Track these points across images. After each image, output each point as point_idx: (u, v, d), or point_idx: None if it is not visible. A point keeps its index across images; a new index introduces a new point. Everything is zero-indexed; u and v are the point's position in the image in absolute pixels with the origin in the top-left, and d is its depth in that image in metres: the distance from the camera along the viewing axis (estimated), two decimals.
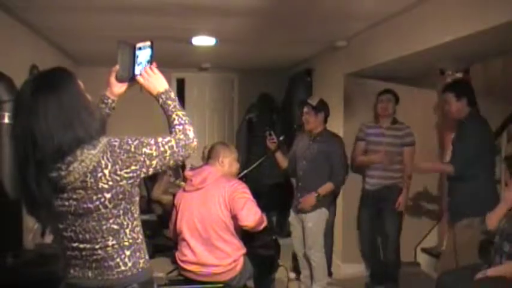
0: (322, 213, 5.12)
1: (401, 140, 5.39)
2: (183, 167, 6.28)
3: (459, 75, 5.02)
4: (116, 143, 2.00)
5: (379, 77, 5.93)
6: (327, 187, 5.05)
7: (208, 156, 4.17)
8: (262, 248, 4.45)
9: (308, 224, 5.11)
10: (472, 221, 4.27)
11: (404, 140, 5.38)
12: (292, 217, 5.32)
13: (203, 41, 5.94)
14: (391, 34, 4.95)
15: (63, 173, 1.92)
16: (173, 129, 2.15)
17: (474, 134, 4.40)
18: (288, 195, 6.00)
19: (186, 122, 2.17)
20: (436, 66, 5.15)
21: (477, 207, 4.20)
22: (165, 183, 6.19)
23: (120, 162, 1.97)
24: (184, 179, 4.55)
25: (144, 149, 2.02)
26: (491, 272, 3.55)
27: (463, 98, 4.46)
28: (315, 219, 5.10)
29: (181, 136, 2.13)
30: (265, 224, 3.96)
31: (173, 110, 2.19)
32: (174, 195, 4.47)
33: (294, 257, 5.62)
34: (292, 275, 5.77)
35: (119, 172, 1.97)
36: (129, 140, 2.02)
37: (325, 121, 5.26)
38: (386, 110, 5.47)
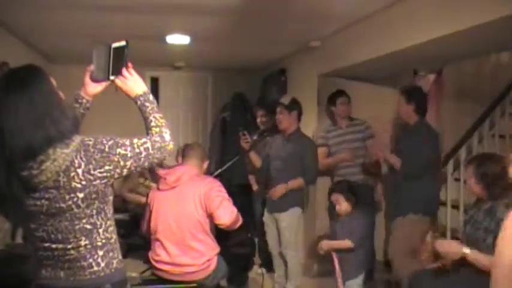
0: (296, 212, 5.12)
1: (362, 134, 5.58)
2: (151, 169, 6.24)
3: (432, 76, 5.08)
4: (90, 142, 1.98)
5: (353, 77, 5.96)
6: (298, 182, 5.06)
7: (184, 156, 4.14)
8: (237, 247, 4.45)
9: (282, 224, 5.12)
10: (412, 217, 4.62)
11: (365, 134, 5.59)
12: (266, 216, 5.32)
13: (177, 39, 5.91)
14: (365, 35, 4.98)
15: (35, 172, 1.90)
16: (149, 131, 2.15)
17: (419, 139, 4.69)
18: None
19: (163, 124, 2.17)
20: (409, 67, 5.20)
21: (418, 206, 4.63)
22: (133, 182, 6.14)
23: (93, 161, 1.96)
24: (155, 180, 4.52)
25: (118, 150, 2.01)
26: (472, 254, 3.52)
27: (411, 102, 4.76)
28: (289, 218, 5.10)
29: (157, 138, 2.12)
30: (240, 222, 3.97)
31: (151, 112, 2.19)
32: (146, 195, 4.43)
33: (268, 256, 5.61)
34: (261, 270, 5.79)
35: (92, 172, 1.95)
36: (103, 139, 2.01)
37: (299, 119, 5.27)
38: (343, 111, 5.64)
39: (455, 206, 5.60)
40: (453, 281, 3.64)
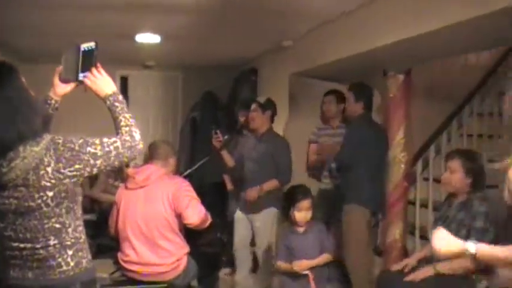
0: (271, 212, 5.10)
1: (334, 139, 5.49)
2: (120, 168, 6.19)
3: (401, 76, 5.13)
4: (60, 141, 1.97)
5: (324, 77, 5.99)
6: (272, 183, 5.04)
7: (152, 155, 4.10)
8: (206, 246, 4.44)
9: (256, 224, 5.10)
10: (350, 207, 4.75)
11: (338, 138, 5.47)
12: (239, 215, 5.28)
13: (147, 38, 5.87)
14: (336, 35, 5.01)
15: (4, 170, 1.88)
16: (119, 131, 2.15)
17: (361, 132, 4.83)
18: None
19: (133, 124, 2.17)
20: (379, 67, 5.24)
21: (359, 197, 4.73)
22: (104, 182, 6.09)
23: (63, 160, 1.94)
24: (123, 179, 4.47)
25: (88, 148, 2.00)
26: (441, 266, 3.55)
27: (360, 100, 4.94)
28: (264, 219, 5.08)
29: (128, 138, 2.12)
30: (209, 222, 3.96)
31: (120, 111, 2.19)
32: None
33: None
34: (226, 270, 5.79)
35: (62, 170, 1.94)
36: (73, 138, 2.00)
37: (272, 120, 5.27)
38: (328, 111, 5.56)
39: (423, 205, 5.67)
40: (423, 279, 3.68)
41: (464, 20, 3.33)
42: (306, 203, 3.99)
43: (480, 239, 2.80)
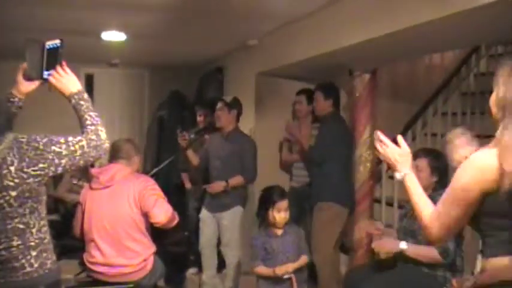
0: (237, 211, 5.12)
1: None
2: (85, 168, 6.12)
3: (367, 75, 5.18)
4: (24, 140, 1.94)
5: (291, 76, 6.01)
6: (237, 179, 5.06)
7: (115, 155, 4.04)
8: (173, 246, 4.41)
9: (223, 222, 5.10)
10: (327, 205, 4.83)
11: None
12: (205, 214, 5.26)
13: (113, 36, 5.81)
14: (302, 34, 5.03)
15: None
16: (85, 130, 2.12)
17: (333, 130, 4.93)
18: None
19: (99, 123, 2.15)
20: (345, 67, 5.28)
21: (335, 194, 4.84)
22: (68, 181, 6.01)
23: (27, 159, 1.91)
24: (89, 179, 4.42)
25: (53, 147, 1.97)
26: (411, 249, 3.64)
27: (329, 98, 5.03)
28: (231, 217, 5.10)
29: (93, 137, 2.09)
30: (176, 220, 3.94)
31: (85, 110, 2.16)
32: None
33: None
34: (193, 269, 5.77)
35: (25, 170, 1.91)
36: (37, 137, 1.97)
37: (237, 119, 5.27)
38: (299, 110, 5.60)
39: (389, 203, 5.73)
40: (389, 276, 3.73)
41: (429, 21, 3.38)
42: (284, 204, 3.90)
43: None
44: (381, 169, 5.85)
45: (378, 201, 5.75)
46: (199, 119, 6.35)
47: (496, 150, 1.85)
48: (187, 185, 6.16)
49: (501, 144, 1.84)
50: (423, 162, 3.74)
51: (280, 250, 3.88)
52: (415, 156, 3.90)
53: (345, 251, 5.51)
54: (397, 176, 2.29)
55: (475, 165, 1.89)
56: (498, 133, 1.89)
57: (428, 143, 6.09)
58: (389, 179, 5.97)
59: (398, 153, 2.31)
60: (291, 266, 3.81)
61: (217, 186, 5.05)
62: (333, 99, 5.05)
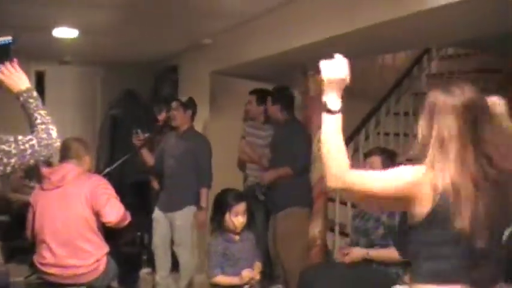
0: (191, 210, 5.08)
1: (263, 140, 5.51)
2: (36, 168, 5.98)
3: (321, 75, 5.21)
4: None
5: (245, 75, 6.01)
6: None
7: (65, 154, 3.96)
8: (126, 246, 4.36)
9: (177, 222, 5.07)
10: (293, 210, 4.88)
11: (266, 140, 5.47)
12: (158, 214, 5.21)
13: (64, 32, 5.70)
14: (257, 33, 5.03)
15: None
16: (35, 128, 2.08)
17: (299, 135, 4.98)
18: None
19: (49, 121, 2.10)
20: (299, 66, 5.31)
21: (302, 199, 4.94)
22: (16, 181, 5.87)
23: None
24: (39, 180, 4.33)
25: (2, 146, 1.93)
26: (371, 252, 3.74)
27: (277, 103, 5.08)
28: (184, 217, 5.06)
29: (44, 135, 2.05)
30: (129, 220, 3.90)
31: (35, 108, 2.12)
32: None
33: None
34: (147, 269, 5.71)
35: None
36: None
37: (192, 119, 5.25)
38: (248, 111, 5.65)
39: (343, 202, 5.78)
40: (343, 273, 3.78)
41: (383, 22, 3.42)
42: (241, 207, 3.67)
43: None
44: None
45: (332, 200, 5.80)
46: (161, 117, 6.23)
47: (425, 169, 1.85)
48: (156, 186, 6.06)
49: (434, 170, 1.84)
50: (377, 160, 3.80)
51: (240, 256, 3.65)
52: (369, 154, 3.97)
53: None
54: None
55: (413, 174, 1.87)
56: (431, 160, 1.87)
57: (381, 142, 6.18)
58: None
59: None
60: (254, 273, 3.64)
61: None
62: (282, 104, 5.06)
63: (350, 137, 6.05)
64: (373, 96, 6.53)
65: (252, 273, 3.57)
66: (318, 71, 2.06)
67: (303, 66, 5.28)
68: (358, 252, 3.76)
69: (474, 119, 1.85)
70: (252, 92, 5.59)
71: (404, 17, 3.27)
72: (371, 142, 6.20)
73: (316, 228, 5.22)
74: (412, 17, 3.24)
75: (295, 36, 4.38)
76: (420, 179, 1.83)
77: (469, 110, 1.86)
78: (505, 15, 3.29)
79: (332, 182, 1.92)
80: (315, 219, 5.18)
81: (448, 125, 1.86)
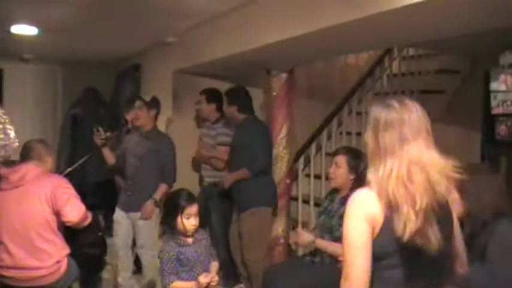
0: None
1: (212, 139, 5.58)
2: None
3: (284, 75, 5.24)
4: None
5: (209, 74, 6.00)
6: (162, 189, 4.97)
7: (27, 155, 3.89)
8: (87, 247, 4.31)
9: (139, 222, 5.00)
10: (259, 210, 4.92)
11: (216, 139, 5.56)
12: (119, 215, 5.14)
13: (23, 29, 5.59)
14: (221, 32, 5.02)
15: None
16: None
17: (260, 135, 5.02)
18: (116, 193, 5.87)
19: (7, 121, 2.07)
20: (263, 66, 5.32)
21: (267, 198, 5.01)
22: None
23: None
24: None
25: None
26: (319, 241, 3.79)
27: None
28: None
29: (1, 136, 2.02)
30: (89, 220, 3.87)
31: None
32: None
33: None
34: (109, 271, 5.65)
35: None
36: None
37: (155, 119, 5.20)
38: (199, 110, 5.71)
39: (305, 201, 5.83)
40: (307, 272, 3.81)
41: (344, 23, 3.45)
42: (194, 208, 3.48)
43: None
44: (297, 167, 5.94)
45: (295, 199, 5.84)
46: (129, 118, 6.14)
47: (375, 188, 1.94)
48: (123, 184, 5.99)
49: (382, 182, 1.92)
50: (342, 159, 3.86)
51: (196, 259, 3.48)
52: (336, 153, 4.02)
53: None
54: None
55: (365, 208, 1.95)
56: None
57: (344, 142, 6.24)
58: (305, 177, 6.08)
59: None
60: (213, 275, 3.46)
61: (149, 208, 4.94)
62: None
63: (313, 137, 6.11)
64: (336, 96, 6.59)
65: (208, 277, 3.38)
66: None
67: (266, 65, 5.30)
68: (305, 239, 3.80)
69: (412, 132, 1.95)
70: (202, 92, 5.68)
71: (363, 19, 3.30)
72: (333, 141, 6.27)
73: (279, 227, 5.25)
74: (372, 19, 3.28)
75: (257, 36, 4.39)
76: (371, 204, 1.92)
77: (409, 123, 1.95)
78: (465, 17, 3.36)
79: None
80: (278, 218, 5.21)
81: (390, 138, 1.94)
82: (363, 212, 1.92)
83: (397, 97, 2.04)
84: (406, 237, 1.83)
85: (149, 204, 4.94)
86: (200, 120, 5.94)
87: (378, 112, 1.99)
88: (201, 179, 5.74)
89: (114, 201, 5.89)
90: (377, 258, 1.92)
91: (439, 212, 1.91)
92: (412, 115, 1.96)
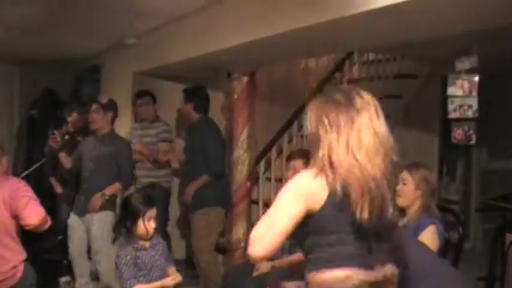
0: (108, 215, 4.88)
1: (156, 138, 5.62)
2: None
3: (245, 78, 5.26)
4: None
5: (169, 77, 5.98)
6: (115, 187, 4.91)
7: None
8: (46, 252, 4.24)
9: (93, 227, 4.90)
10: (211, 209, 4.96)
11: (158, 136, 5.62)
12: (73, 219, 5.01)
13: None
14: (181, 35, 5.01)
15: None
16: None
17: (213, 137, 5.04)
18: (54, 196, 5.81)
19: None
20: (224, 69, 5.32)
21: (220, 199, 5.03)
22: None
23: None
24: None
25: None
26: (277, 262, 3.80)
27: (190, 101, 5.15)
28: (100, 222, 4.85)
29: None
30: (49, 224, 3.80)
31: None
32: None
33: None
34: (66, 278, 5.56)
35: None
36: None
37: (112, 122, 5.11)
38: (146, 112, 5.71)
39: (266, 205, 5.83)
40: (267, 273, 3.82)
41: (304, 27, 3.49)
42: (154, 211, 3.41)
43: None
44: (258, 170, 5.95)
45: (256, 202, 5.84)
46: (71, 118, 6.03)
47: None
48: (58, 190, 5.87)
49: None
50: (299, 163, 3.87)
51: (153, 263, 3.38)
52: (291, 157, 4.03)
53: (220, 251, 5.54)
54: None
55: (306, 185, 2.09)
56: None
57: (304, 145, 6.26)
58: (266, 181, 6.09)
59: None
60: (177, 278, 3.42)
61: (96, 201, 4.84)
62: (194, 102, 5.14)
63: (273, 140, 6.12)
64: (297, 100, 6.62)
65: (173, 278, 3.38)
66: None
67: (227, 68, 5.31)
68: (264, 266, 3.84)
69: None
70: (145, 94, 5.72)
71: (324, 23, 3.34)
72: (294, 145, 6.29)
73: (239, 231, 5.26)
74: (332, 23, 3.32)
75: (218, 39, 4.41)
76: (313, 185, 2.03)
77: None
78: (423, 23, 3.42)
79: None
80: (239, 221, 5.22)
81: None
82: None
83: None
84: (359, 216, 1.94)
85: (97, 197, 4.84)
86: (138, 120, 5.89)
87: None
88: (135, 180, 5.62)
89: (57, 206, 5.79)
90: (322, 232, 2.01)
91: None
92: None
